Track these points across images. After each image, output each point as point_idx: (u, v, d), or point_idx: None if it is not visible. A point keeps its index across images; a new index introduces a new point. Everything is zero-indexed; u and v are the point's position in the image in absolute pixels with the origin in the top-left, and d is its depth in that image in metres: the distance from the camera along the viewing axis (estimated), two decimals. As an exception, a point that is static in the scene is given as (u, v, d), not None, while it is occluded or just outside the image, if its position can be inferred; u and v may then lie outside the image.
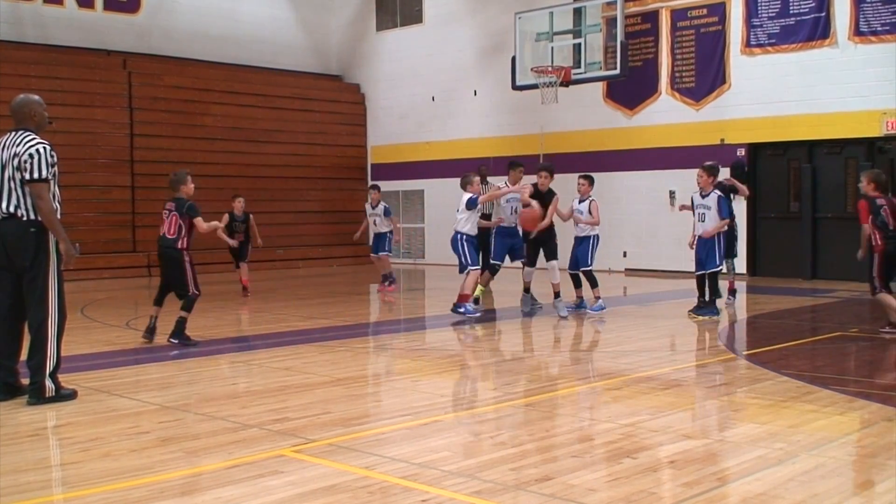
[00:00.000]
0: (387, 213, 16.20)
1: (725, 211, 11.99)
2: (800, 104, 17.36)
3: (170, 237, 9.70)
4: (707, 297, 12.05)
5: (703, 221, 11.97)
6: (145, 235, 20.68)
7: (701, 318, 11.74)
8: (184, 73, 22.29)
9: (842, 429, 5.97)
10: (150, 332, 9.90)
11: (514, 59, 18.81)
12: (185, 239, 9.68)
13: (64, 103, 19.80)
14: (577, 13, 18.10)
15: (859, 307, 13.58)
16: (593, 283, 12.54)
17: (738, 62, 18.18)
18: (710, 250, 11.92)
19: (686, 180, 16.75)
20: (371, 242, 17.05)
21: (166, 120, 21.34)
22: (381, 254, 16.21)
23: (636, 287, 17.20)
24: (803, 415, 6.34)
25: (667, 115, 19.17)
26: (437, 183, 23.04)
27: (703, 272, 12.03)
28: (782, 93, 17.55)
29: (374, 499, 4.57)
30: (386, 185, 24.69)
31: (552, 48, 18.09)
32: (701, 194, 12.06)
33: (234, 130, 22.41)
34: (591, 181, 12.94)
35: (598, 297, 12.47)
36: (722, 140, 18.37)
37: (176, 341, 9.68)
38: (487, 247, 14.02)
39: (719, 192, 12.04)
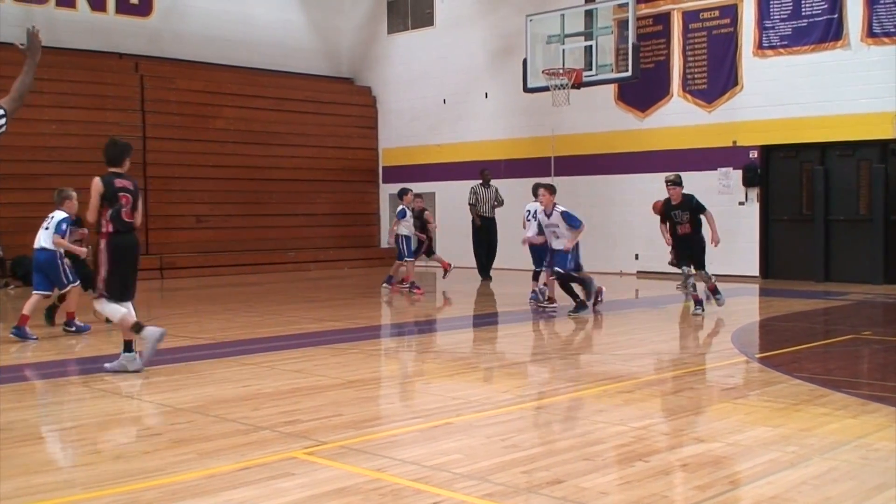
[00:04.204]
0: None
1: (576, 221, 12.51)
2: (812, 106, 17.30)
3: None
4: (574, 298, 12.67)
5: (558, 238, 12.61)
6: (158, 238, 20.77)
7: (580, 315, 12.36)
8: (195, 76, 22.35)
9: (854, 432, 5.94)
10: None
11: (525, 61, 18.80)
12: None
13: (76, 106, 19.91)
14: (589, 15, 18.07)
15: (872, 310, 13.53)
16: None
17: (751, 64, 18.13)
18: (563, 256, 12.50)
19: (698, 182, 16.71)
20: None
21: (178, 123, 21.40)
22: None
23: (648, 290, 17.17)
24: (816, 418, 6.31)
25: (679, 117, 19.13)
26: (449, 185, 23.04)
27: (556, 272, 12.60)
28: (795, 95, 17.50)
29: (385, 501, 4.56)
30: (397, 188, 24.76)
31: (563, 50, 18.06)
32: (546, 213, 12.67)
33: (245, 133, 22.45)
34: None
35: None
36: (734, 142, 18.33)
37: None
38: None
39: (561, 208, 12.58)
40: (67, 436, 6.05)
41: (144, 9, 22.06)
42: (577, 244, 12.58)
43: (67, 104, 19.83)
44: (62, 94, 19.75)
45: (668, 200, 12.65)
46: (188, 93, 21.77)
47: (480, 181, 19.25)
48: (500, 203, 19.15)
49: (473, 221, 19.21)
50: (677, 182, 12.52)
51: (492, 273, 19.10)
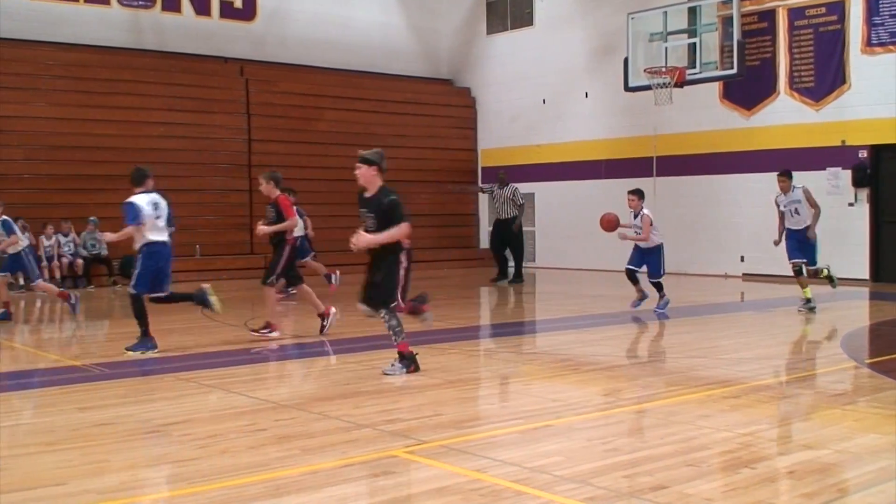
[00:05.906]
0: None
1: (131, 217, 9.57)
2: (925, 104, 16.70)
3: None
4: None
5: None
6: (263, 238, 21.14)
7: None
8: (298, 79, 22.72)
9: (973, 442, 5.71)
10: None
11: (626, 60, 18.58)
12: None
13: (183, 109, 20.43)
14: (692, 12, 17.76)
15: None
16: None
17: (859, 61, 17.57)
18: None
19: (806, 182, 16.29)
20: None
21: (282, 125, 21.79)
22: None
23: (754, 293, 16.80)
24: (931, 426, 6.09)
25: (786, 116, 18.68)
26: (548, 186, 22.95)
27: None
28: (906, 93, 16.91)
29: (484, 502, 4.56)
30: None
31: (666, 48, 17.78)
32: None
33: (346, 135, 22.67)
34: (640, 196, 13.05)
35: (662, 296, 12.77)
36: (843, 141, 17.81)
37: None
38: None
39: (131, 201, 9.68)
40: (174, 430, 6.19)
41: (248, 13, 22.51)
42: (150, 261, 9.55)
43: (174, 107, 20.37)
44: (169, 98, 20.30)
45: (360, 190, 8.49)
46: (291, 96, 22.16)
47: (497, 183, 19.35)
48: (520, 206, 18.95)
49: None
50: (368, 160, 8.10)
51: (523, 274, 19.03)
